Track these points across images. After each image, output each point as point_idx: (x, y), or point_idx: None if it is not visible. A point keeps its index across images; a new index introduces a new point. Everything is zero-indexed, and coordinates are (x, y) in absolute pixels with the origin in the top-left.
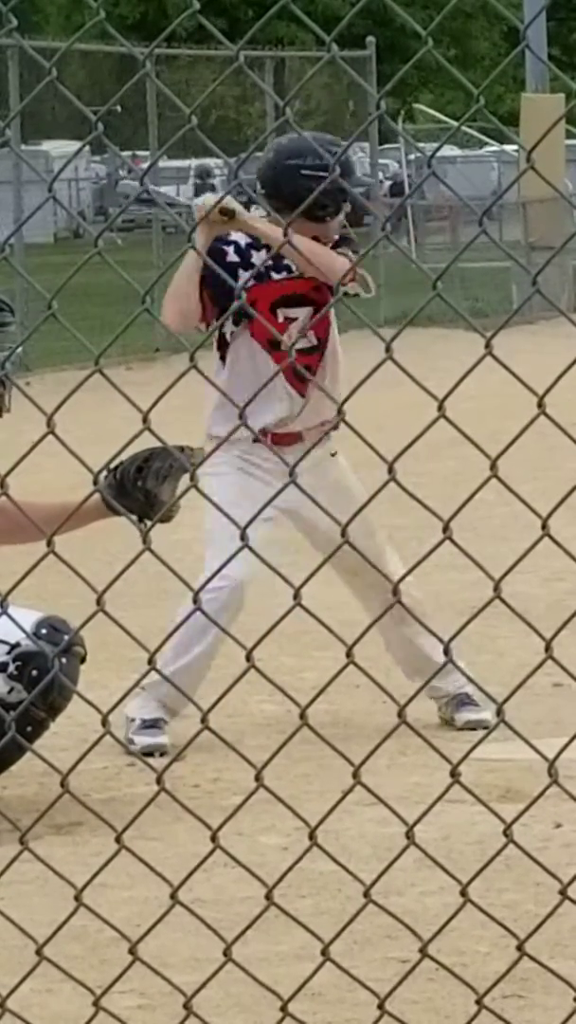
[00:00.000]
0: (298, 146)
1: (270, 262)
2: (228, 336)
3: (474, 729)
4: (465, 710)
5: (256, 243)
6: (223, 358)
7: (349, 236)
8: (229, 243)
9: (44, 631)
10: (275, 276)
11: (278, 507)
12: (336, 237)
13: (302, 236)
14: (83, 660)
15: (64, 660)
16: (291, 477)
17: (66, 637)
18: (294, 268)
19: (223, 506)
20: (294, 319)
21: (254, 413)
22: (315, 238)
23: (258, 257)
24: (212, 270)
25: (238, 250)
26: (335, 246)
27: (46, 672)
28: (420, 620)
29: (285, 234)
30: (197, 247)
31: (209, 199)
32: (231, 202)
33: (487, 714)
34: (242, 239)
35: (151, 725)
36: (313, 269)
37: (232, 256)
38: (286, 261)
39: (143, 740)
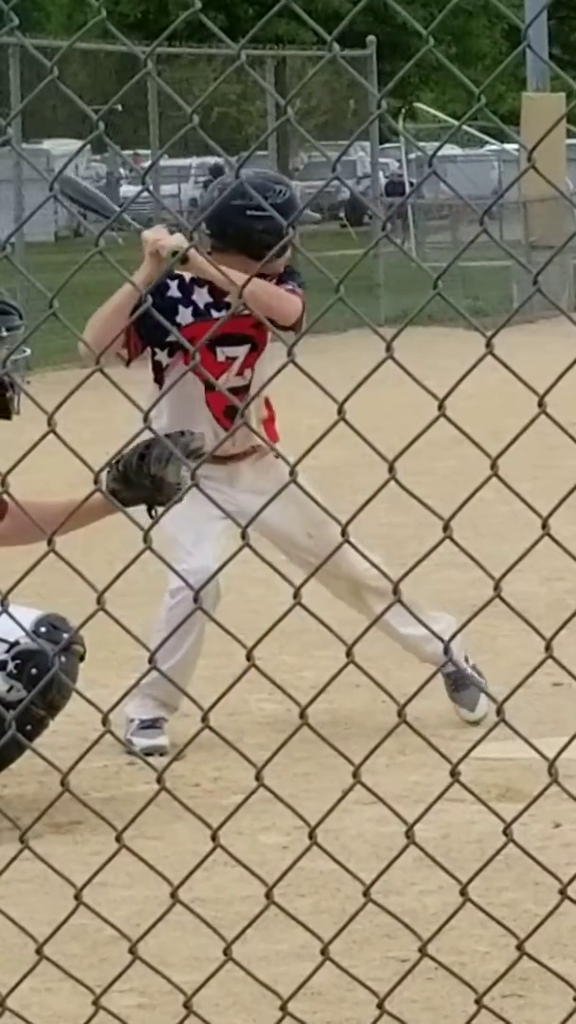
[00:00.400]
0: (242, 186)
1: (209, 299)
2: (163, 365)
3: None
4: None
5: (200, 280)
6: (157, 381)
7: (292, 268)
8: (174, 276)
9: (43, 629)
10: (215, 314)
11: (230, 511)
12: (280, 270)
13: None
14: (82, 658)
15: (63, 658)
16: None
17: (65, 635)
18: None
19: (178, 522)
20: (234, 358)
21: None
22: (261, 275)
23: (199, 294)
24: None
25: (181, 285)
26: (280, 280)
27: (45, 670)
28: (415, 615)
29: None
30: (138, 279)
31: (158, 232)
32: (183, 244)
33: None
34: (186, 275)
35: (150, 725)
36: (268, 312)
37: (174, 291)
38: (227, 298)
39: (142, 741)
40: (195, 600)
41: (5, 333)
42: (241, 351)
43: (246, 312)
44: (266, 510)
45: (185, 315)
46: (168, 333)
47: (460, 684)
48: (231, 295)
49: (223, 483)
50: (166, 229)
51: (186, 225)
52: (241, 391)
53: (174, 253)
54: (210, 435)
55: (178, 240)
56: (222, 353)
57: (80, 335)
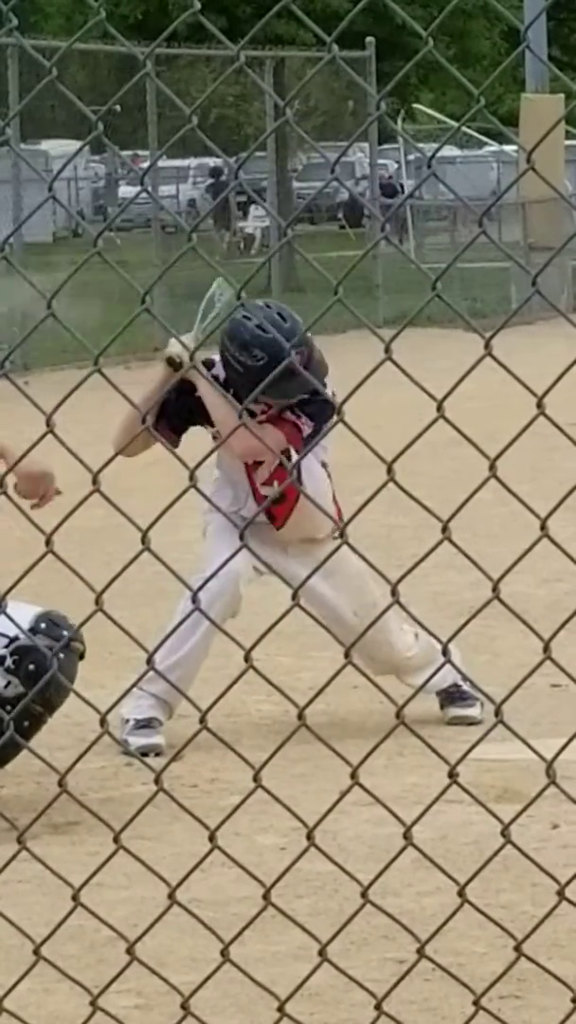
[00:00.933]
0: (232, 329)
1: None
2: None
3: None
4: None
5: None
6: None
7: (318, 399)
8: (213, 364)
9: (43, 625)
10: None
11: (269, 570)
12: (295, 399)
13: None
14: (82, 656)
15: (62, 655)
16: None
17: (65, 632)
18: (257, 413)
19: (216, 544)
20: (260, 462)
21: (236, 500)
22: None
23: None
24: (170, 400)
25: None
26: (305, 403)
27: (43, 667)
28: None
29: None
30: (152, 384)
31: (172, 345)
32: (181, 356)
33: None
34: (220, 373)
35: (144, 725)
36: (238, 454)
37: (218, 371)
38: (251, 407)
39: (137, 741)
40: (193, 601)
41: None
42: (267, 456)
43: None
44: (319, 583)
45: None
46: (192, 420)
47: (454, 697)
48: (214, 413)
49: (266, 542)
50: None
51: (184, 226)
52: (276, 503)
53: (168, 360)
54: (251, 504)
55: (178, 349)
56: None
57: (79, 334)
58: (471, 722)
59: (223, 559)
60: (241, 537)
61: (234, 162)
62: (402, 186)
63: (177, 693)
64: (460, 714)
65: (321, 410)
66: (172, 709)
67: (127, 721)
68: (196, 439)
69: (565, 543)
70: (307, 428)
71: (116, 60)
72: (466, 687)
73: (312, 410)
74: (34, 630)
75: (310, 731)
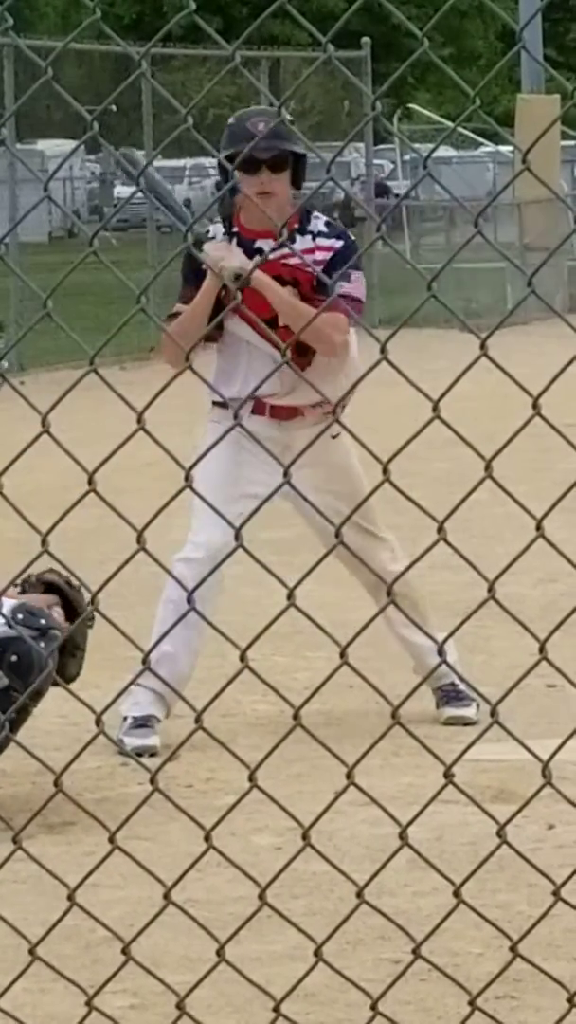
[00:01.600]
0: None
1: (240, 251)
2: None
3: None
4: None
5: (230, 235)
6: (214, 339)
7: (348, 241)
8: (203, 244)
9: (20, 616)
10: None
11: (271, 485)
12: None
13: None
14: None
15: (43, 644)
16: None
17: (43, 622)
18: (265, 251)
19: (214, 480)
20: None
21: (247, 382)
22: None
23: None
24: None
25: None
26: (336, 278)
27: (26, 657)
28: (414, 621)
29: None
30: (204, 286)
31: (220, 250)
32: (246, 266)
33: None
34: (218, 234)
35: (142, 724)
36: (313, 343)
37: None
38: (257, 244)
39: (133, 741)
40: (188, 601)
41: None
42: (288, 291)
43: (282, 260)
44: (308, 489)
45: (209, 276)
46: (220, 307)
47: (451, 696)
48: (286, 318)
49: (277, 448)
50: (227, 247)
51: (181, 227)
52: (302, 353)
53: (237, 276)
54: (274, 379)
55: (241, 262)
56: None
57: (75, 334)
58: (467, 722)
59: (211, 529)
60: (237, 537)
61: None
62: (387, 187)
63: (173, 688)
64: (456, 714)
65: (357, 267)
66: (170, 706)
67: (125, 719)
68: (192, 440)
69: (561, 544)
70: (356, 289)
71: (112, 60)
72: (462, 686)
73: (354, 275)
74: (13, 620)
75: (306, 731)
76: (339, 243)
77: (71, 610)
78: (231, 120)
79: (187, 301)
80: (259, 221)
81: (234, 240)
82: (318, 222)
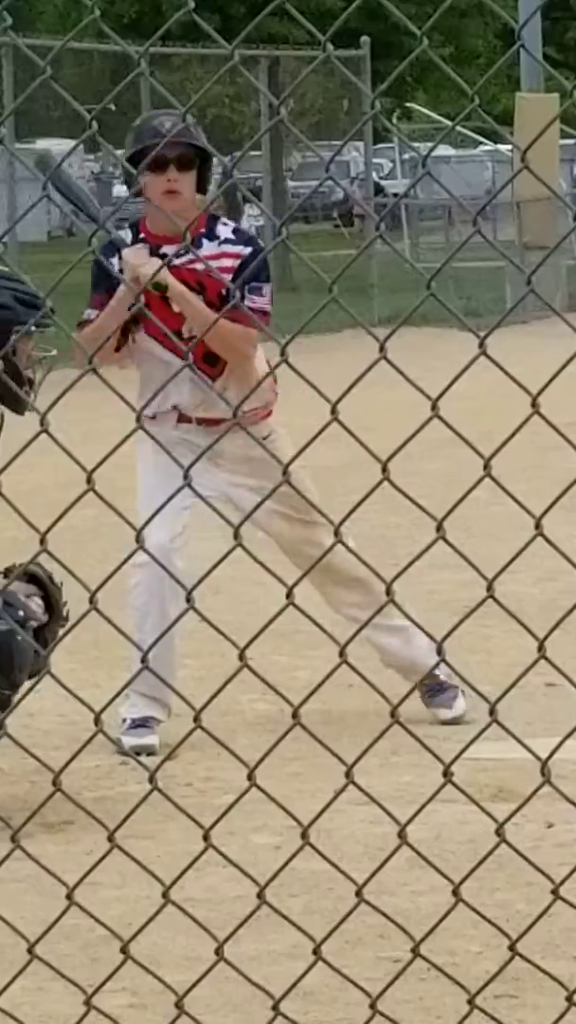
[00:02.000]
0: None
1: (157, 258)
2: (133, 338)
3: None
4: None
5: (137, 241)
6: (117, 350)
7: (255, 245)
8: (112, 252)
9: None
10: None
11: (205, 494)
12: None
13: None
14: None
15: (19, 636)
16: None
17: (21, 613)
18: (175, 261)
19: (148, 490)
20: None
21: (167, 395)
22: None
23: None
24: (110, 295)
25: (121, 256)
26: (247, 288)
27: (5, 648)
28: (410, 619)
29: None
30: (119, 294)
31: (139, 256)
32: (166, 277)
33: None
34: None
35: (140, 724)
36: (222, 353)
37: (116, 267)
38: (163, 250)
39: (130, 740)
40: (187, 600)
41: (34, 329)
42: (193, 297)
43: (188, 265)
44: (240, 494)
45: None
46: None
47: (435, 691)
48: (194, 326)
49: (209, 455)
50: (146, 251)
51: (180, 227)
52: (212, 363)
53: (156, 285)
54: (187, 385)
55: (162, 276)
56: (175, 304)
57: (73, 334)
58: (458, 722)
59: (157, 531)
60: (236, 536)
61: (228, 161)
62: (380, 187)
63: (166, 688)
64: (447, 716)
65: (265, 281)
66: (168, 706)
67: (124, 720)
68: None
69: (560, 542)
70: (265, 303)
71: (111, 59)
72: (443, 676)
73: (261, 286)
74: None
75: (305, 730)
76: (247, 250)
77: (49, 606)
78: (137, 121)
79: (98, 307)
80: (164, 226)
81: (142, 247)
82: (225, 228)
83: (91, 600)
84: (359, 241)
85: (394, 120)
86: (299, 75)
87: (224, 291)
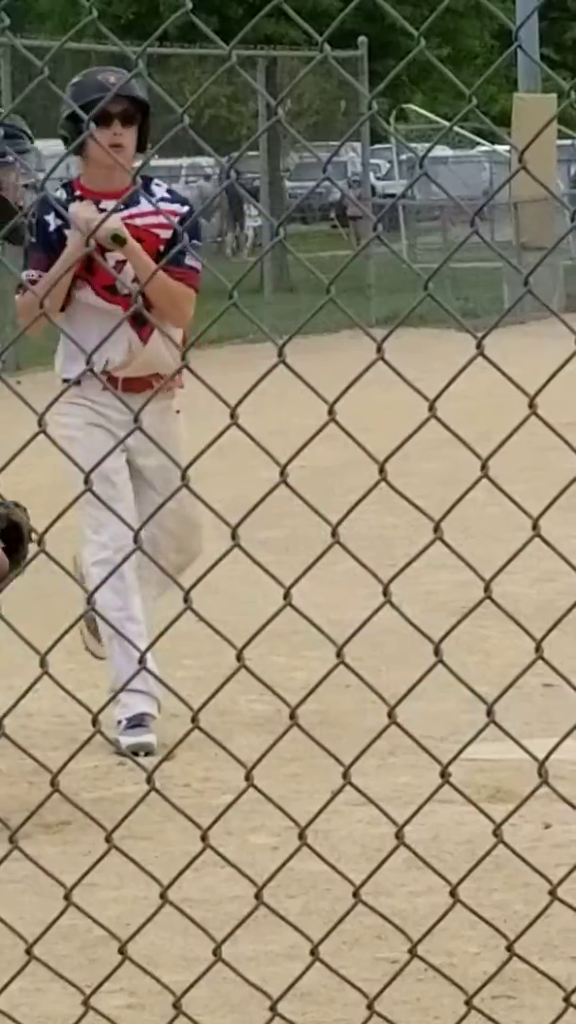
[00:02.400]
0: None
1: (96, 211)
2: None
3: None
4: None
5: (73, 199)
6: (63, 309)
7: (191, 223)
8: (48, 209)
9: None
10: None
11: (123, 450)
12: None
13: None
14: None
15: None
16: (136, 422)
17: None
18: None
19: (74, 481)
20: (123, 261)
21: (102, 352)
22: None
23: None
24: (48, 252)
25: (58, 215)
26: (183, 252)
27: None
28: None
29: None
30: (71, 246)
31: (88, 210)
32: (123, 231)
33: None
34: (60, 198)
35: (137, 724)
36: (161, 314)
37: (52, 225)
38: (102, 204)
39: (127, 740)
40: (185, 600)
41: (12, 159)
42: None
43: (127, 220)
44: (146, 460)
45: (68, 235)
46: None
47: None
48: (140, 279)
49: (122, 424)
50: (93, 206)
51: (179, 229)
52: (142, 323)
53: (114, 237)
54: (123, 344)
55: (117, 223)
56: (110, 258)
57: (70, 335)
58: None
59: (113, 525)
60: (233, 536)
61: (226, 161)
62: (373, 188)
63: (154, 682)
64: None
65: (197, 245)
66: (157, 700)
67: (120, 722)
68: (189, 436)
69: (557, 543)
70: (196, 261)
71: (108, 60)
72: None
73: (195, 251)
74: None
75: (302, 730)
76: (183, 208)
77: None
78: (77, 77)
79: (39, 267)
80: (103, 182)
81: (88, 202)
82: (160, 189)
83: (89, 600)
84: (357, 241)
85: (391, 120)
86: (296, 76)
87: (161, 247)
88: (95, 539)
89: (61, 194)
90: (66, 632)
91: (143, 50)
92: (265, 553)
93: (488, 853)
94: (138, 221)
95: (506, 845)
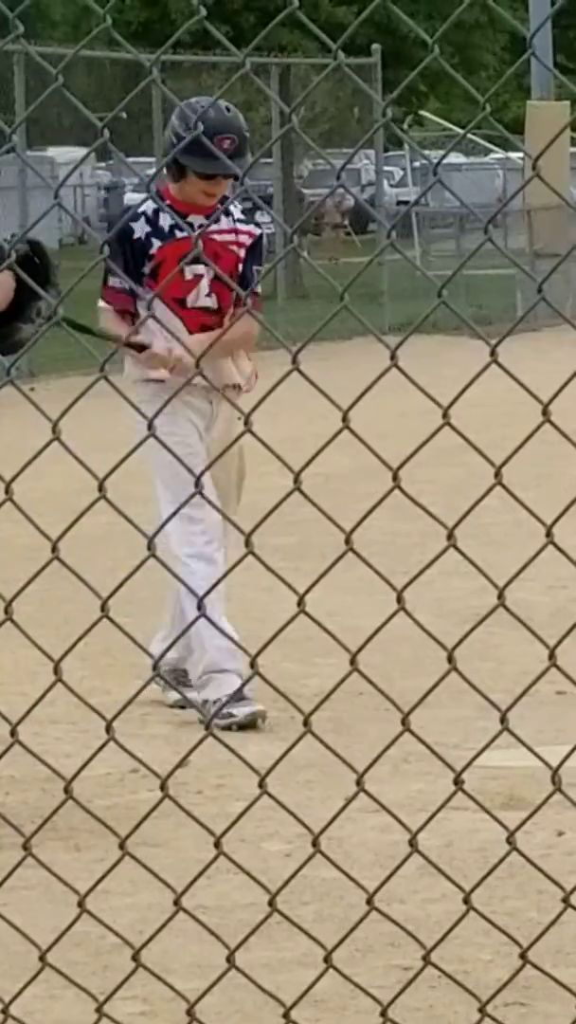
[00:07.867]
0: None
1: (172, 221)
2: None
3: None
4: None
5: (162, 208)
6: (134, 314)
7: (257, 236)
8: (138, 217)
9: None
10: (179, 234)
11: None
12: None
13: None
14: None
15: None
16: (236, 420)
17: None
18: (195, 226)
19: (168, 472)
20: (200, 275)
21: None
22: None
23: (163, 219)
24: (127, 260)
25: (147, 220)
26: (244, 281)
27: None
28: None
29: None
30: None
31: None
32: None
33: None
34: (149, 208)
35: (240, 697)
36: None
37: (140, 231)
38: (189, 218)
39: (244, 710)
40: (199, 608)
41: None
42: (205, 269)
43: (211, 235)
44: (220, 462)
45: (155, 244)
46: (140, 269)
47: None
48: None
49: (201, 414)
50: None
51: (191, 232)
52: (214, 314)
53: (138, 348)
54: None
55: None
56: (189, 271)
57: (84, 342)
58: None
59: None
60: (247, 544)
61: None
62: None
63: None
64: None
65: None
66: (233, 670)
67: (211, 702)
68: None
69: (571, 550)
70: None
71: (122, 67)
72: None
73: (256, 271)
74: None
75: (316, 737)
76: (257, 230)
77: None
78: (195, 101)
79: (120, 279)
80: (192, 201)
81: (165, 214)
82: (235, 208)
83: (103, 608)
84: (370, 248)
85: (405, 127)
86: (310, 83)
87: (238, 264)
88: (190, 530)
89: (150, 205)
90: (80, 639)
91: (157, 57)
92: (278, 560)
93: (501, 860)
94: (218, 238)
95: (519, 852)
